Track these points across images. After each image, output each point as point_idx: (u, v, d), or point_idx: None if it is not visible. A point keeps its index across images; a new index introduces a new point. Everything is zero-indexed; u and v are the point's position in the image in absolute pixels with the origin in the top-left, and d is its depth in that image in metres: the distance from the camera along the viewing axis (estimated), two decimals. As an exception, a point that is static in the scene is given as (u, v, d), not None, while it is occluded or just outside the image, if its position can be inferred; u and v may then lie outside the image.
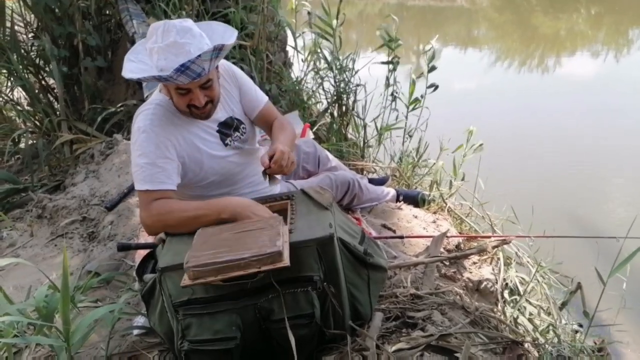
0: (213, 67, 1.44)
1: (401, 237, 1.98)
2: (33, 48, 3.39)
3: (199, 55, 1.34)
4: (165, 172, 1.45)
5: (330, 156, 2.24)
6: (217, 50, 1.38)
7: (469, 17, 13.70)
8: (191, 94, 1.45)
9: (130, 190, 2.33)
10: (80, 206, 2.28)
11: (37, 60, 3.36)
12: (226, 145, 1.62)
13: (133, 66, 1.43)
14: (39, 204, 2.35)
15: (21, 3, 3.36)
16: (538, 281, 2.21)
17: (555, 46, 8.95)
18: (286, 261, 1.15)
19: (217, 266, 1.14)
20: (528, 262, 2.30)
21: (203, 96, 1.47)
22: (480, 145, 2.61)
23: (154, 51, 1.39)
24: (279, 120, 1.81)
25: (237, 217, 1.39)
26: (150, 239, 1.92)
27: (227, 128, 1.63)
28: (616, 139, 4.36)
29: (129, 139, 2.83)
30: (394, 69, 3.01)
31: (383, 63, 3.07)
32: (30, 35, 3.50)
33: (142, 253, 1.69)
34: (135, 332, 1.54)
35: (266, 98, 1.80)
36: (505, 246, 2.12)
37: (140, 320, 1.58)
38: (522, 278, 2.16)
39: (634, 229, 1.63)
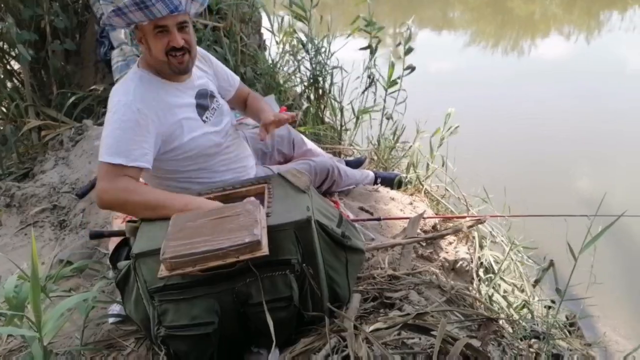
0: (189, 9, 1.50)
1: (378, 219, 1.99)
2: (-4, 31, 3.24)
3: None
4: (141, 150, 1.43)
5: (305, 139, 2.23)
6: None
7: (445, 0, 13.71)
8: (169, 35, 1.46)
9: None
10: (50, 194, 2.22)
11: (2, 44, 3.22)
12: (204, 121, 1.62)
13: (109, 9, 1.44)
14: (7, 192, 2.28)
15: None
16: (512, 259, 2.26)
17: (529, 29, 9.06)
18: (265, 250, 1.14)
19: (195, 257, 1.13)
20: (502, 241, 2.35)
21: (180, 38, 1.48)
22: (456, 127, 2.64)
23: None
24: (253, 94, 1.92)
25: None
26: (123, 226, 1.89)
27: (204, 99, 1.65)
28: (588, 121, 4.46)
29: (99, 125, 2.76)
30: (373, 53, 2.99)
31: (363, 48, 3.04)
32: (-8, 17, 3.34)
33: (116, 240, 1.66)
34: (111, 320, 1.52)
35: (239, 79, 1.87)
36: (480, 226, 2.15)
37: (115, 309, 1.55)
38: (496, 257, 2.21)
39: (603, 207, 1.67)
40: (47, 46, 3.02)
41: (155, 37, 1.47)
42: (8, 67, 3.28)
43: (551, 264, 2.47)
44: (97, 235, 1.73)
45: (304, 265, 1.27)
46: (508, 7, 11.10)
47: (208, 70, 1.76)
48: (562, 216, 2.17)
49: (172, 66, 1.52)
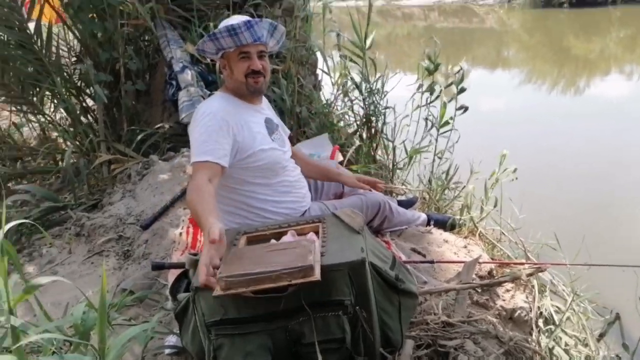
0: (268, 41, 1.77)
1: (431, 262, 1.96)
2: (75, 71, 3.55)
3: (261, 20, 1.70)
4: (223, 150, 1.63)
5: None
6: (273, 27, 1.74)
7: (499, 39, 13.62)
8: (250, 60, 1.71)
9: (165, 209, 2.39)
10: (117, 225, 2.35)
11: (79, 83, 3.52)
12: (272, 140, 1.83)
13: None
14: (78, 222, 2.44)
15: (65, 29, 3.55)
16: (574, 310, 2.13)
17: (588, 68, 8.80)
18: (317, 276, 1.16)
19: (249, 277, 1.16)
20: (563, 290, 2.23)
21: (259, 63, 1.73)
22: (514, 170, 2.57)
23: (224, 21, 1.71)
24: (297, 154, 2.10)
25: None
26: (182, 258, 1.97)
27: (270, 124, 1.87)
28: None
29: (164, 160, 2.92)
30: (432, 95, 3.01)
31: (423, 92, 3.06)
32: (73, 59, 3.67)
33: (175, 272, 1.73)
34: (168, 351, 1.56)
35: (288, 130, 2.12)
36: (539, 274, 2.06)
37: (172, 340, 1.60)
38: (557, 307, 2.09)
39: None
40: (120, 86, 3.26)
41: (239, 61, 1.72)
42: (84, 104, 3.57)
43: (617, 317, 2.30)
44: (158, 267, 1.81)
45: (357, 307, 1.27)
46: (564, 46, 10.86)
47: (272, 112, 1.99)
48: (629, 267, 2.05)
49: (249, 86, 1.75)
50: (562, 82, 8.01)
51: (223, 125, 1.65)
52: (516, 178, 2.57)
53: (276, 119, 1.98)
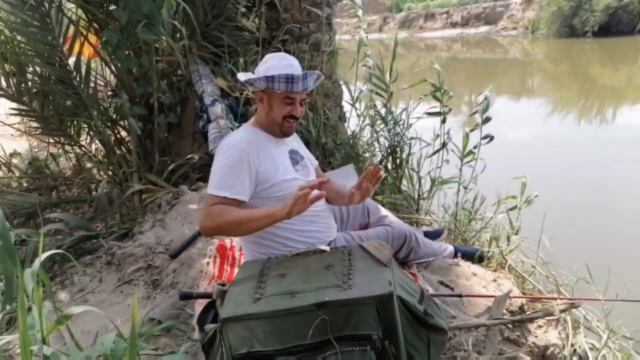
0: (312, 89, 1.81)
1: (460, 296, 1.92)
2: (111, 105, 3.71)
3: (312, 72, 1.74)
4: (242, 185, 1.67)
5: (380, 206, 2.25)
6: (318, 77, 1.79)
7: (523, 69, 13.58)
8: (293, 106, 1.77)
9: (193, 238, 2.43)
10: (146, 254, 2.39)
11: (114, 116, 3.66)
12: (296, 170, 1.85)
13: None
14: (109, 250, 2.49)
15: (103, 64, 3.73)
16: (610, 348, 2.05)
17: (615, 97, 8.66)
18: None
19: None
20: (598, 326, 2.14)
21: (300, 110, 1.80)
22: (536, 196, 2.52)
23: (276, 60, 1.75)
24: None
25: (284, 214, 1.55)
26: (209, 288, 1.98)
27: (295, 155, 1.90)
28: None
29: (194, 190, 2.98)
30: (444, 121, 3.02)
31: (430, 114, 3.08)
32: (109, 93, 3.84)
33: (202, 302, 1.75)
34: (194, 382, 1.56)
35: (317, 162, 2.14)
36: (573, 309, 1.99)
37: (198, 371, 1.60)
38: (592, 344, 2.01)
39: None
40: (153, 119, 3.39)
41: (282, 103, 1.76)
42: (118, 136, 3.71)
43: (657, 355, 2.19)
44: (186, 297, 1.83)
45: (386, 342, 1.25)
46: (590, 75, 10.74)
47: (298, 143, 2.02)
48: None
49: (283, 128, 1.80)
50: (591, 111, 7.89)
51: (244, 158, 1.67)
52: (536, 198, 2.51)
53: (303, 150, 1.99)
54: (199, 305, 1.85)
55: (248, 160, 1.68)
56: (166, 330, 1.89)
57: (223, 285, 1.53)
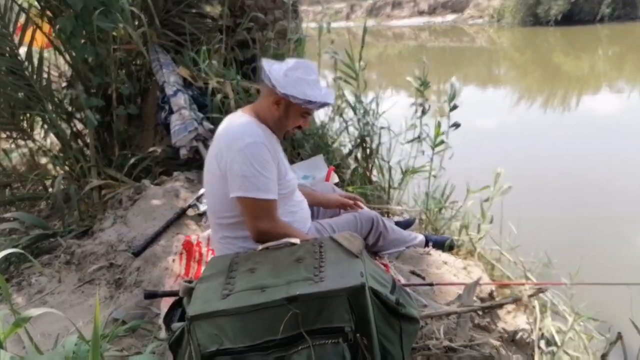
0: None
1: (431, 285, 1.93)
2: (66, 97, 3.53)
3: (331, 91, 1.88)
4: (275, 183, 1.72)
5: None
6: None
7: (490, 57, 13.85)
8: (306, 120, 1.85)
9: (157, 235, 2.35)
10: (108, 252, 2.30)
11: (70, 108, 3.49)
12: (292, 169, 1.92)
13: (317, 93, 1.75)
14: (68, 249, 2.38)
15: (56, 54, 3.54)
16: (576, 331, 2.10)
17: (579, 85, 8.94)
18: None
19: None
20: (564, 310, 2.19)
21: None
22: (509, 187, 2.56)
23: (312, 82, 1.75)
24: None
25: None
26: (176, 286, 1.91)
27: (285, 155, 1.93)
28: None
29: (157, 184, 2.88)
30: (424, 113, 3.01)
31: (414, 106, 3.06)
32: (63, 84, 3.66)
33: (168, 301, 1.68)
34: (161, 384, 1.50)
35: None
36: (540, 294, 2.03)
37: (165, 372, 1.54)
38: (559, 327, 2.06)
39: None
40: (111, 111, 3.24)
41: (300, 115, 1.81)
42: (74, 129, 3.54)
43: (619, 336, 2.26)
44: (151, 296, 1.76)
45: (358, 334, 1.23)
46: (555, 63, 11.04)
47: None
48: (631, 285, 2.02)
49: (287, 134, 1.92)
50: (554, 99, 8.12)
51: (268, 157, 1.70)
52: (509, 189, 2.55)
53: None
54: (165, 303, 1.79)
55: (271, 159, 1.71)
56: (131, 331, 1.82)
57: (190, 282, 1.47)
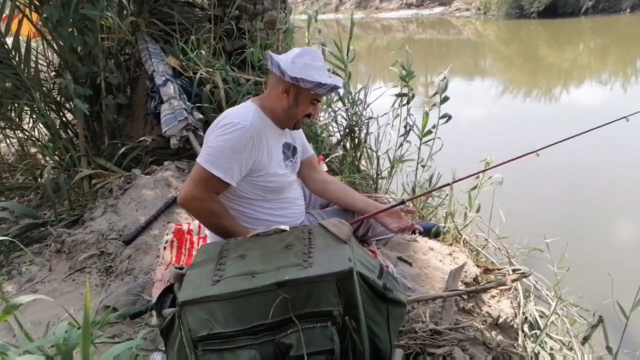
0: None
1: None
2: (55, 86, 3.50)
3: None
4: (238, 170, 1.69)
5: None
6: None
7: (476, 49, 13.90)
8: (315, 107, 1.81)
9: (148, 224, 2.36)
10: (99, 240, 2.30)
11: (59, 98, 3.46)
12: (285, 165, 1.86)
13: (324, 78, 1.72)
14: (58, 238, 2.38)
15: (44, 43, 3.51)
16: (558, 315, 2.16)
17: (562, 77, 9.03)
18: None
19: None
20: (547, 295, 2.26)
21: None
22: (500, 178, 2.61)
23: (320, 68, 1.73)
24: (338, 183, 2.10)
25: None
26: (167, 273, 1.93)
27: (287, 150, 1.90)
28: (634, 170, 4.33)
29: (147, 174, 2.89)
30: (408, 102, 3.05)
31: (399, 95, 3.10)
32: (52, 73, 3.62)
33: (159, 287, 1.71)
34: (153, 368, 1.52)
35: (313, 152, 2.11)
36: (524, 279, 2.09)
37: (157, 357, 1.56)
38: (542, 312, 2.12)
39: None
40: (101, 100, 3.23)
41: (310, 102, 1.78)
42: (64, 119, 3.52)
43: (600, 320, 2.34)
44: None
45: (346, 317, 1.26)
46: (540, 55, 11.13)
47: (299, 134, 2.01)
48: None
49: (298, 124, 1.84)
50: (539, 90, 8.20)
51: (248, 144, 1.67)
52: (499, 180, 2.60)
53: (300, 142, 1.98)
54: (157, 290, 1.81)
55: (251, 147, 1.68)
56: (122, 318, 1.84)
57: (181, 268, 1.49)
